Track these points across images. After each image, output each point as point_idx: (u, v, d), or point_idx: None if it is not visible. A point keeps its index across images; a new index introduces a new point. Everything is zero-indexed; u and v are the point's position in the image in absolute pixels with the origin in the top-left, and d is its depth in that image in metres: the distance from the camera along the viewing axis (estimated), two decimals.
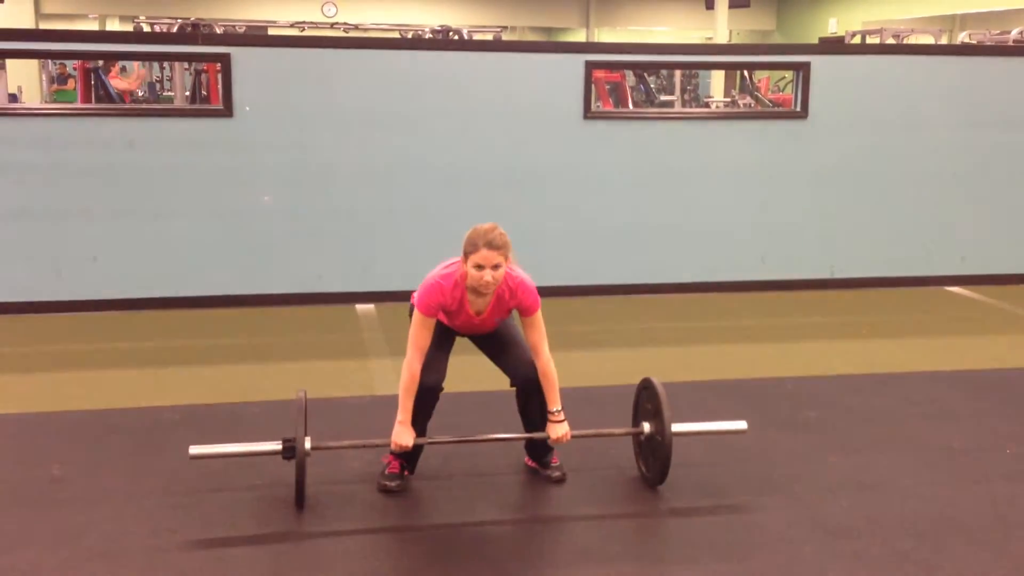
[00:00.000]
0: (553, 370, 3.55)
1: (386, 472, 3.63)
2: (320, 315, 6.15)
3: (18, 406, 4.52)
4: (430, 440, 3.62)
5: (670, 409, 3.50)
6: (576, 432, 3.59)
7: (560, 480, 3.70)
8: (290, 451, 3.37)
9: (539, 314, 3.53)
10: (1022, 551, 3.24)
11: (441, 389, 3.60)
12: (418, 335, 3.47)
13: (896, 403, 4.63)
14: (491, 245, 3.32)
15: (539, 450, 3.76)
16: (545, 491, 3.66)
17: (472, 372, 4.38)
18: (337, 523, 3.38)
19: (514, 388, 3.69)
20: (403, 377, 3.48)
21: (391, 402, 3.61)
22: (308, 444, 3.38)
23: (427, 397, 3.55)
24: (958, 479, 3.79)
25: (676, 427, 3.51)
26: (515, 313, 3.61)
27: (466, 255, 3.37)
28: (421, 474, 3.71)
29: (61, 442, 4.07)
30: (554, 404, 3.56)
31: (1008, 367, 5.26)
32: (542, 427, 3.68)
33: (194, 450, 3.44)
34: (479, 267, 3.34)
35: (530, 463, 3.81)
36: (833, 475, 3.81)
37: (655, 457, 3.58)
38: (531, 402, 3.66)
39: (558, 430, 3.54)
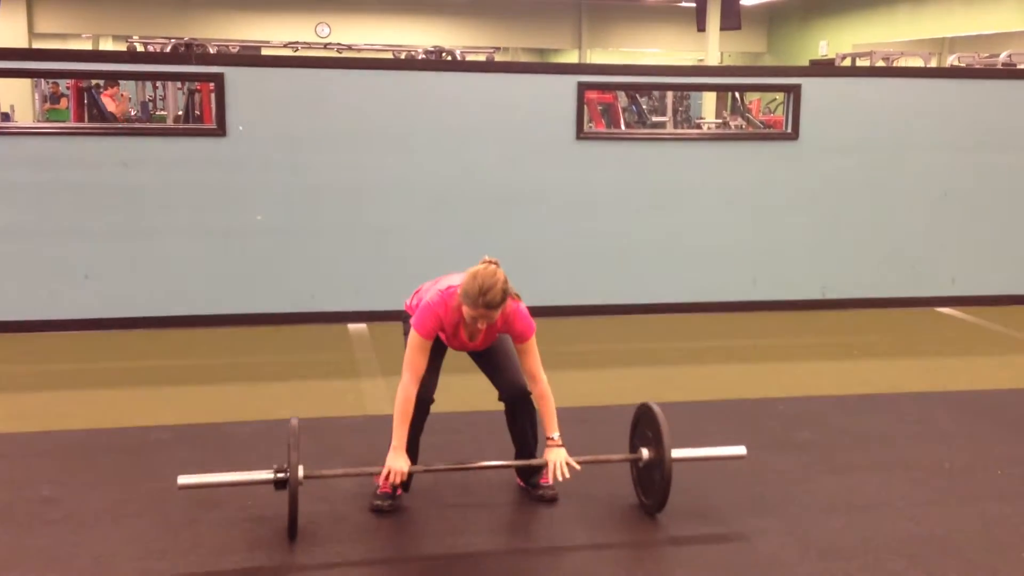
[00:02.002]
0: (550, 396, 3.52)
1: (378, 492, 3.62)
2: (313, 334, 6.14)
3: (8, 426, 4.49)
4: (424, 468, 3.57)
5: (670, 436, 3.44)
6: (573, 458, 3.51)
7: (551, 500, 3.69)
8: (282, 482, 3.29)
9: (533, 340, 3.51)
10: (1014, 572, 3.24)
11: (432, 402, 3.59)
12: (415, 359, 3.45)
13: (888, 424, 4.64)
14: (489, 306, 3.30)
15: (529, 469, 3.75)
16: (538, 516, 3.64)
17: (465, 392, 4.38)
18: (328, 544, 3.36)
19: (503, 403, 3.68)
20: (398, 402, 3.44)
21: (384, 422, 3.60)
22: (301, 473, 3.28)
23: (419, 411, 3.55)
24: (950, 500, 3.79)
25: (676, 453, 3.45)
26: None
27: (463, 301, 3.35)
28: (412, 494, 3.70)
29: (52, 462, 4.04)
30: (552, 430, 3.50)
31: (999, 388, 5.27)
32: (532, 444, 3.68)
33: (183, 480, 3.32)
34: (473, 319, 3.36)
35: (521, 483, 3.80)
36: (826, 496, 3.81)
37: (654, 484, 3.51)
38: (519, 417, 3.66)
39: (555, 455, 3.47)
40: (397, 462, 3.39)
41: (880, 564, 3.26)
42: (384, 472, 3.38)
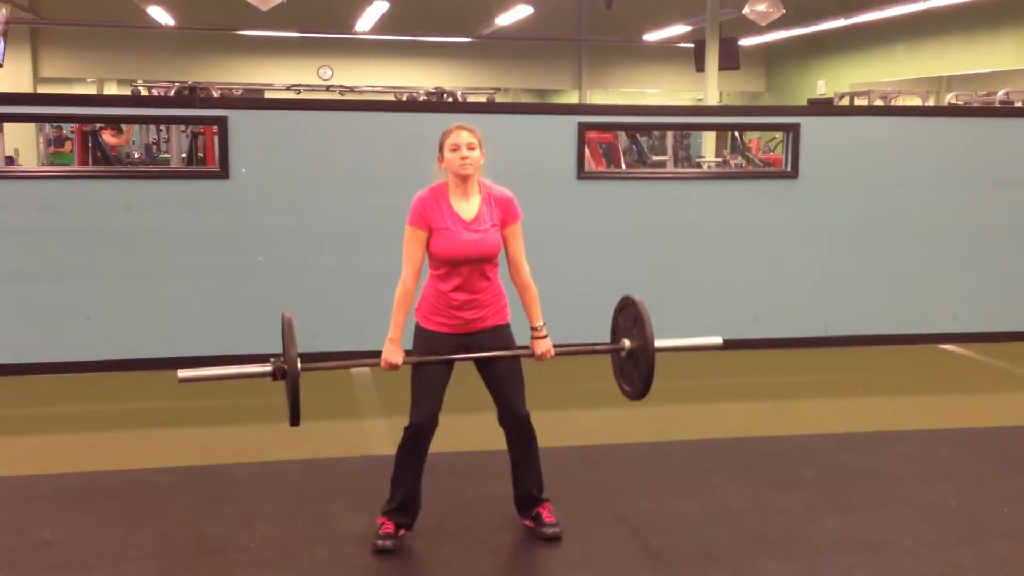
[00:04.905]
0: (533, 285, 3.71)
1: (380, 532, 3.60)
2: (314, 375, 6.09)
3: (9, 469, 4.48)
4: (416, 360, 3.60)
5: (651, 326, 3.58)
6: (558, 347, 3.68)
7: (555, 538, 3.65)
8: (281, 372, 3.47)
9: (520, 226, 3.72)
10: None
11: (432, 431, 3.56)
12: (410, 250, 3.60)
13: (893, 462, 4.62)
14: (463, 126, 3.54)
15: (528, 499, 3.72)
16: (541, 556, 3.62)
17: (468, 432, 4.37)
18: None
19: (501, 427, 3.66)
20: (396, 295, 3.63)
21: (386, 462, 3.59)
22: (299, 365, 3.46)
23: (417, 447, 3.55)
24: (956, 538, 3.76)
25: (659, 343, 3.58)
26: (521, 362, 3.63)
27: (441, 146, 3.57)
28: (415, 536, 3.68)
29: (52, 505, 4.03)
30: (536, 320, 3.68)
31: (1004, 425, 5.25)
32: (530, 475, 3.67)
33: (182, 374, 3.43)
34: (455, 148, 3.52)
35: (526, 523, 3.77)
36: (832, 535, 3.78)
37: (638, 370, 3.64)
38: (518, 448, 3.65)
39: (541, 346, 3.65)
40: (393, 355, 3.58)
41: None
42: (381, 363, 3.61)
